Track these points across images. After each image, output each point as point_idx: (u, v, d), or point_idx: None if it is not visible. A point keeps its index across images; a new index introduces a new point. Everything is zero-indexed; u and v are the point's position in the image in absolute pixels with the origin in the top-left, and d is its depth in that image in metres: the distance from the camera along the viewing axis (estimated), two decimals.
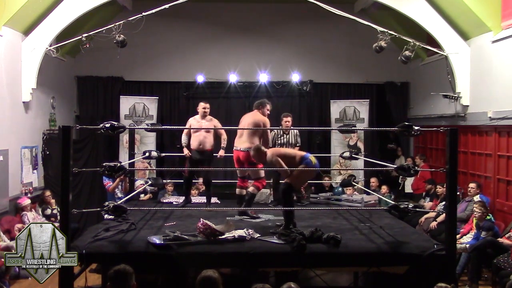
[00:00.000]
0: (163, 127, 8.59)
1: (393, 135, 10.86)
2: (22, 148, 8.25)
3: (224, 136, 7.39)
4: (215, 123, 7.37)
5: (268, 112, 6.86)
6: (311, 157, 5.85)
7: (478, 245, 6.61)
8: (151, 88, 11.07)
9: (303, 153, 5.94)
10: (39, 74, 8.27)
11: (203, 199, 7.61)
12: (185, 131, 7.42)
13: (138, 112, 10.31)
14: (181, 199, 7.98)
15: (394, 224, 6.09)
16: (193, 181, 8.54)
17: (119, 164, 5.08)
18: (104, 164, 5.09)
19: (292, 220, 5.61)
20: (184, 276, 5.32)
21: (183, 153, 7.40)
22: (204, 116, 7.30)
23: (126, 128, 5.84)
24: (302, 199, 7.59)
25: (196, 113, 7.41)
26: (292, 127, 7.96)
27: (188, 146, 7.30)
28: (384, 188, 9.02)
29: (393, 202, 5.69)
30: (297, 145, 7.91)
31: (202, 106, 7.31)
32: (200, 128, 7.15)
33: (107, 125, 5.07)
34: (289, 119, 7.91)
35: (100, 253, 4.93)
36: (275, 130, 7.85)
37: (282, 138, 7.87)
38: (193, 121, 7.31)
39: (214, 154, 7.34)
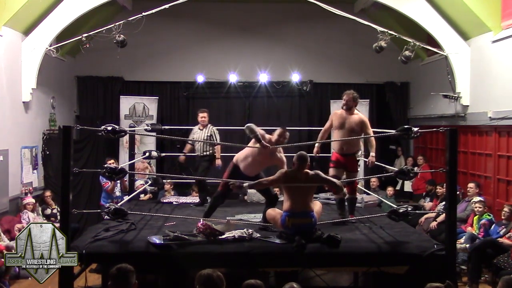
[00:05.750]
0: (162, 128, 8.58)
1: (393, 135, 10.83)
2: (22, 148, 8.25)
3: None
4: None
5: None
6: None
7: (478, 245, 6.61)
8: (151, 88, 11.06)
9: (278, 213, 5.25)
10: (39, 74, 8.27)
11: None
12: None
13: (138, 112, 10.30)
14: (181, 199, 7.98)
15: (394, 224, 6.06)
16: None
17: (119, 167, 5.08)
18: (105, 166, 5.09)
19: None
20: (184, 276, 5.32)
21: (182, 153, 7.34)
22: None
23: (128, 133, 5.78)
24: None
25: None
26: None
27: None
28: (390, 190, 9.06)
29: (394, 206, 5.67)
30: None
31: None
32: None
33: (109, 128, 5.06)
34: (205, 114, 7.75)
35: (100, 253, 4.93)
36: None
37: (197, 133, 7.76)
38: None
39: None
